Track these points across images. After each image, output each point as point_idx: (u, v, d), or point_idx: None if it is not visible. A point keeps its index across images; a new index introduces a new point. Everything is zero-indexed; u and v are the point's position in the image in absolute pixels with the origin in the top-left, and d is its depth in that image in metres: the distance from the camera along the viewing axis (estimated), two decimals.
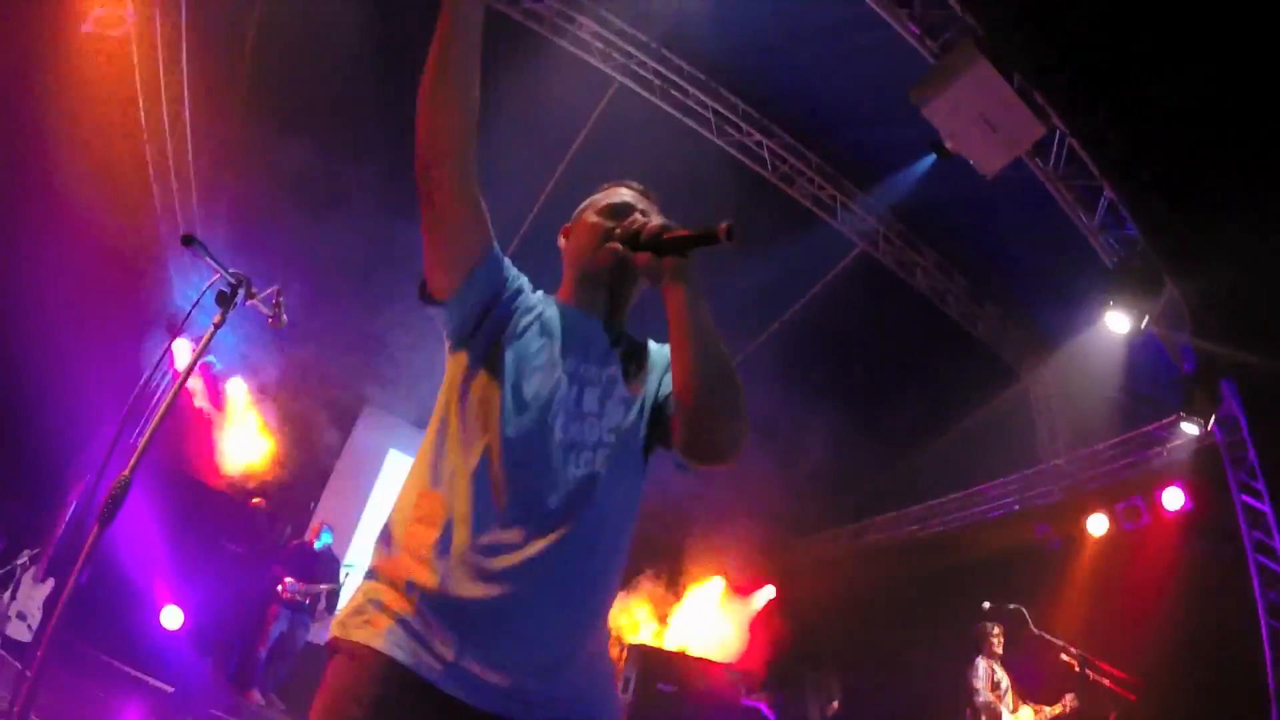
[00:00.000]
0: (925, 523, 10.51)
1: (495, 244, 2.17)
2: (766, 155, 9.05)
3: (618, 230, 2.22)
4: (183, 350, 8.35)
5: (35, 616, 6.53)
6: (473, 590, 1.90)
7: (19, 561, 6.90)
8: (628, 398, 2.18)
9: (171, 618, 7.03)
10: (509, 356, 2.11)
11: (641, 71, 8.77)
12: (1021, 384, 9.70)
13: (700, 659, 9.34)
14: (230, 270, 3.85)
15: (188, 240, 3.72)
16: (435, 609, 1.89)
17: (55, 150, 6.92)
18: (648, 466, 2.21)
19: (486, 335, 2.15)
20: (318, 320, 9.81)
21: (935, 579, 9.61)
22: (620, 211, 2.29)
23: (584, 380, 2.16)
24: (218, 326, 3.75)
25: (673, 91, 8.86)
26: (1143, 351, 7.87)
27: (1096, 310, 7.46)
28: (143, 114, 7.53)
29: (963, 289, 9.30)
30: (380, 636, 1.88)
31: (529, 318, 2.19)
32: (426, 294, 2.13)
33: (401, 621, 1.89)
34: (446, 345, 2.21)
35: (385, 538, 2.04)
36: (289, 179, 8.70)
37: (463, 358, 2.15)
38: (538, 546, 1.94)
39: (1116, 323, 7.29)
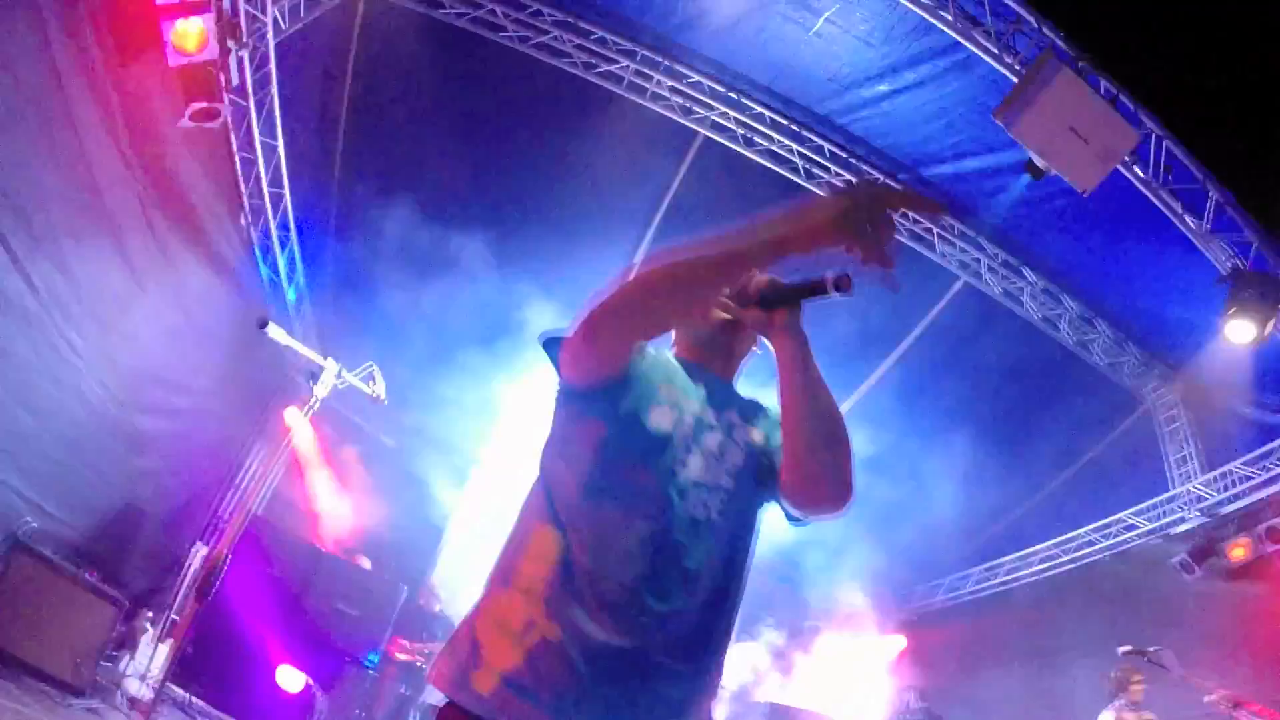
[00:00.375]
0: (1055, 560, 10.02)
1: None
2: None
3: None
4: (294, 418, 8.67)
5: (156, 677, 6.74)
6: (589, 634, 1.85)
7: (138, 623, 7.19)
8: (747, 443, 2.18)
9: (288, 679, 7.18)
10: (630, 398, 2.09)
11: (723, 122, 8.89)
12: (1145, 406, 9.27)
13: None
14: (326, 359, 3.91)
15: (262, 324, 3.83)
16: (548, 657, 1.83)
17: (169, 236, 7.35)
18: (760, 516, 2.20)
19: (615, 390, 2.11)
20: (429, 384, 10.09)
21: (1071, 615, 9.15)
22: None
23: (704, 423, 2.14)
24: (310, 407, 3.84)
25: (756, 139, 8.94)
26: (1271, 359, 7.45)
27: (1216, 321, 7.11)
28: (245, 196, 7.97)
29: (1074, 313, 8.99)
30: (484, 701, 1.84)
31: (647, 364, 2.17)
32: (558, 371, 2.18)
33: (508, 680, 1.83)
34: (558, 387, 2.21)
35: (495, 573, 2.02)
36: (393, 247, 9.06)
37: (579, 402, 2.14)
38: (651, 592, 1.90)
39: (1238, 332, 6.93)
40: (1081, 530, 9.61)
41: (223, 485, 9.23)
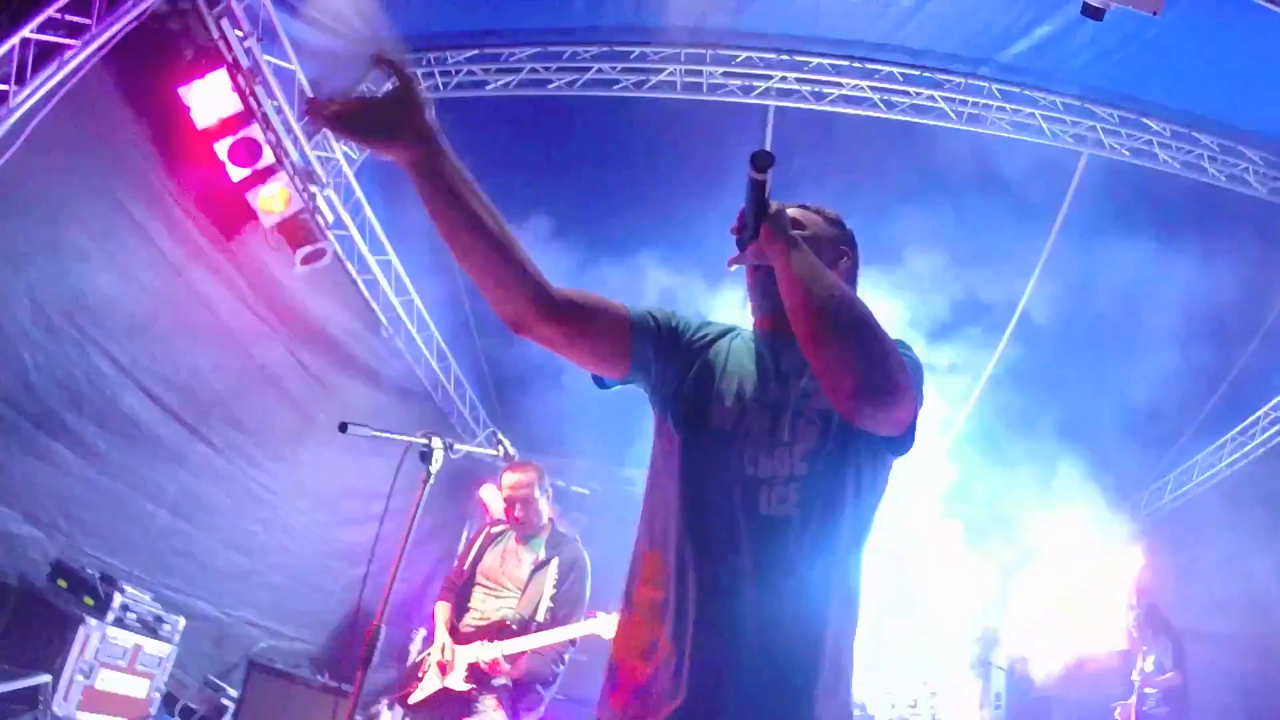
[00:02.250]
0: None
1: (633, 323, 2.12)
2: (945, 105, 8.60)
3: (738, 241, 2.10)
4: (490, 494, 9.35)
5: None
6: (691, 658, 1.85)
7: (373, 711, 8.00)
8: (824, 408, 1.99)
9: None
10: (689, 398, 2.07)
11: (785, 86, 8.79)
12: None
13: (1076, 653, 8.55)
14: (419, 433, 4.23)
15: (343, 428, 4.20)
16: (672, 675, 1.87)
17: (322, 369, 8.27)
18: (857, 475, 2.02)
19: (665, 389, 2.13)
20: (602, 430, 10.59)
21: None
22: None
23: (775, 403, 2.03)
24: (425, 483, 4.16)
25: (825, 89, 8.76)
26: None
27: None
28: (379, 311, 8.83)
29: (1214, 148, 8.07)
30: (616, 716, 1.95)
31: (705, 355, 2.14)
32: (597, 380, 2.21)
33: (637, 694, 1.91)
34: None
35: (622, 597, 2.09)
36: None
37: (654, 412, 2.18)
38: (731, 605, 1.86)
39: None
40: None
41: (439, 571, 10.10)
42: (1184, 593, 9.56)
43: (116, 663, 5.85)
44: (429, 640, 5.17)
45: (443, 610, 4.84)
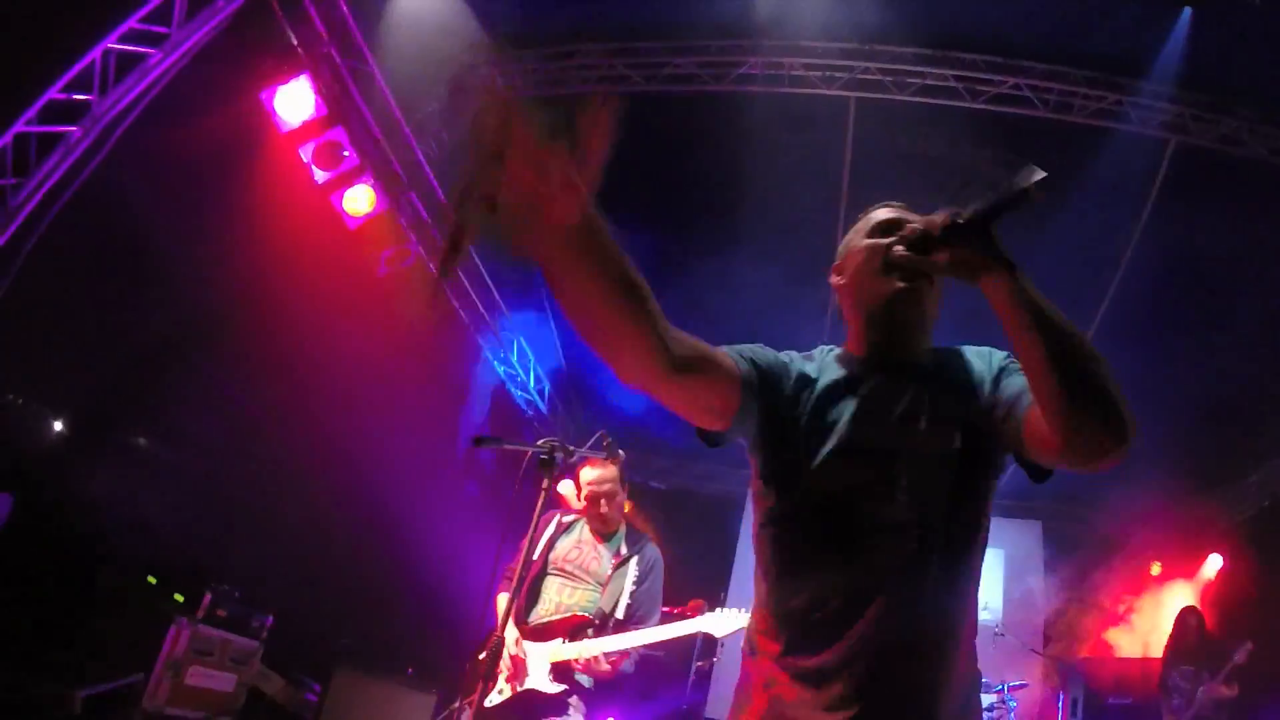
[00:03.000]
0: None
1: (742, 376, 1.91)
2: (1030, 94, 8.31)
3: (897, 242, 1.91)
4: (567, 488, 9.35)
5: None
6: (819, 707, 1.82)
7: (454, 707, 8.04)
8: (942, 451, 1.89)
9: None
10: (797, 451, 1.92)
11: (866, 76, 8.60)
12: None
13: (1153, 660, 8.17)
14: (539, 442, 4.23)
15: (477, 441, 4.23)
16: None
17: (406, 363, 8.35)
18: (990, 498, 1.95)
19: (768, 442, 1.97)
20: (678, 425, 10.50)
21: None
22: (892, 226, 1.98)
23: (888, 448, 1.90)
24: (546, 492, 4.16)
25: (908, 79, 8.56)
26: None
27: None
28: (461, 312, 8.91)
29: None
30: None
31: (811, 401, 1.97)
32: (705, 436, 1.96)
33: None
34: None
35: (745, 644, 2.04)
36: None
37: (755, 464, 2.02)
38: (856, 664, 1.81)
39: None
40: None
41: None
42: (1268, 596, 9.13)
43: (206, 659, 6.00)
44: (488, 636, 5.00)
45: (506, 602, 4.25)
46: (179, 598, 6.07)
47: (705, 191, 9.35)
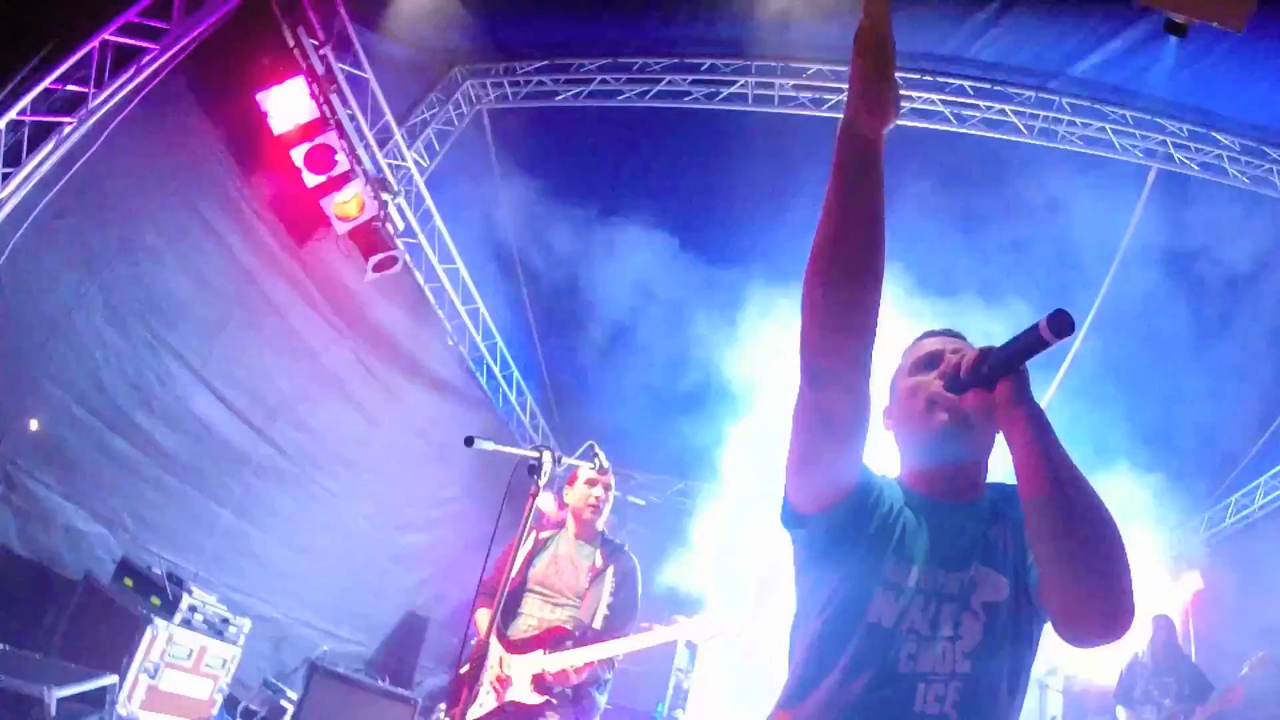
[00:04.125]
0: None
1: (866, 467, 1.93)
2: (1016, 120, 8.43)
3: (936, 381, 1.93)
4: (546, 502, 9.33)
5: None
6: None
7: (433, 718, 7.99)
8: (990, 601, 1.84)
9: None
10: (856, 576, 1.89)
11: None
12: None
13: None
14: (529, 447, 4.23)
15: (469, 441, 4.21)
16: None
17: (388, 376, 8.32)
18: (1025, 664, 1.88)
19: (836, 558, 1.93)
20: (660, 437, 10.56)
21: None
22: (931, 362, 2.00)
23: (941, 593, 1.85)
24: (534, 497, 4.14)
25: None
26: None
27: None
28: (445, 320, 8.87)
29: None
30: None
31: (882, 525, 1.93)
32: (789, 514, 1.97)
33: None
34: (795, 557, 2.04)
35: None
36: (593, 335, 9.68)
37: (810, 576, 2.00)
38: None
39: None
40: None
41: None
42: (1243, 616, 9.24)
43: (181, 663, 5.88)
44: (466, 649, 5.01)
45: (486, 617, 4.42)
46: (155, 600, 5.96)
47: (686, 205, 9.40)
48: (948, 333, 2.13)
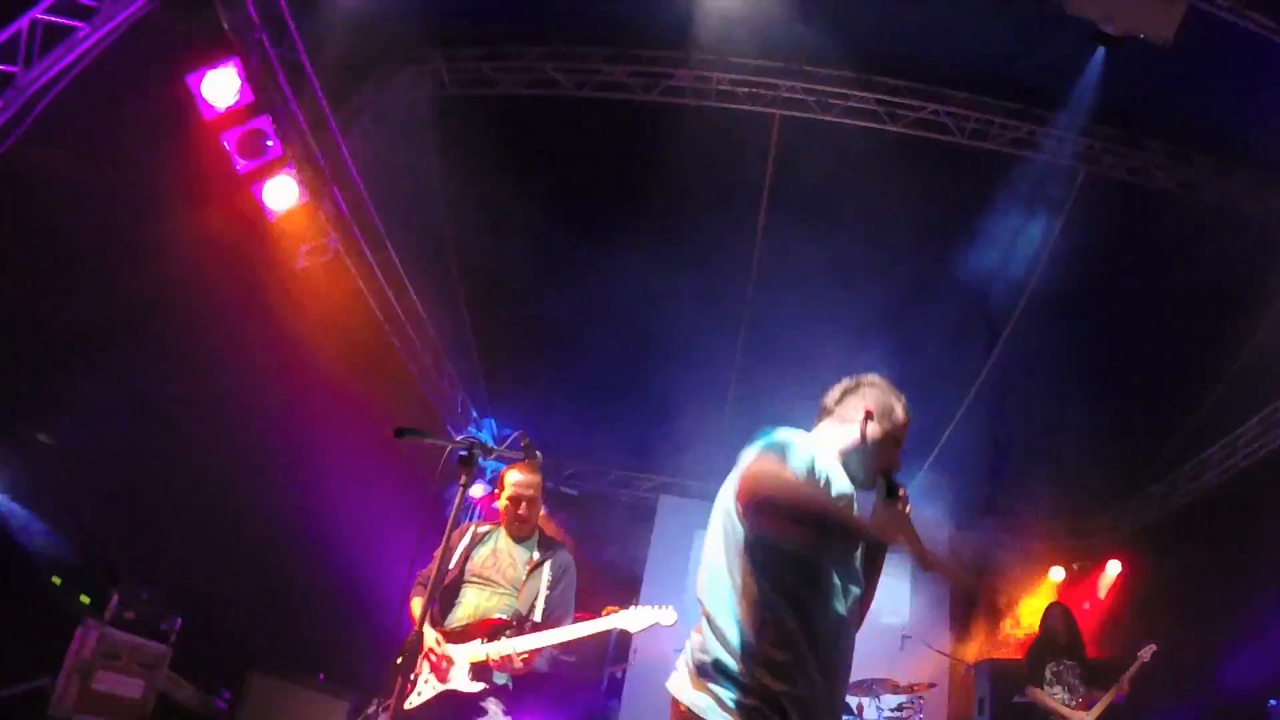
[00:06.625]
0: (1259, 441, 9.06)
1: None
2: (948, 121, 8.65)
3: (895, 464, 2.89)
4: (479, 493, 9.34)
5: None
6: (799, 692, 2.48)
7: (369, 711, 7.90)
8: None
9: None
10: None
11: (792, 95, 8.80)
12: None
13: None
14: (459, 438, 4.19)
15: (399, 433, 4.16)
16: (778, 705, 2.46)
17: (321, 358, 8.14)
18: None
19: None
20: (591, 432, 10.60)
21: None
22: (900, 441, 2.92)
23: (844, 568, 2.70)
24: (465, 487, 4.11)
25: (831, 100, 8.80)
26: None
27: None
28: (376, 309, 8.75)
29: (1209, 169, 8.17)
30: None
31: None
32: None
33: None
34: (744, 517, 2.62)
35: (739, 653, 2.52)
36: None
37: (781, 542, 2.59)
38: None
39: None
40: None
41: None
42: (1165, 600, 9.72)
43: (114, 662, 5.74)
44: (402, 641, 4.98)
45: (421, 607, 4.41)
46: (85, 599, 5.79)
47: (623, 197, 9.42)
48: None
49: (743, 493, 2.56)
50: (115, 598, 5.84)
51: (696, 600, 2.67)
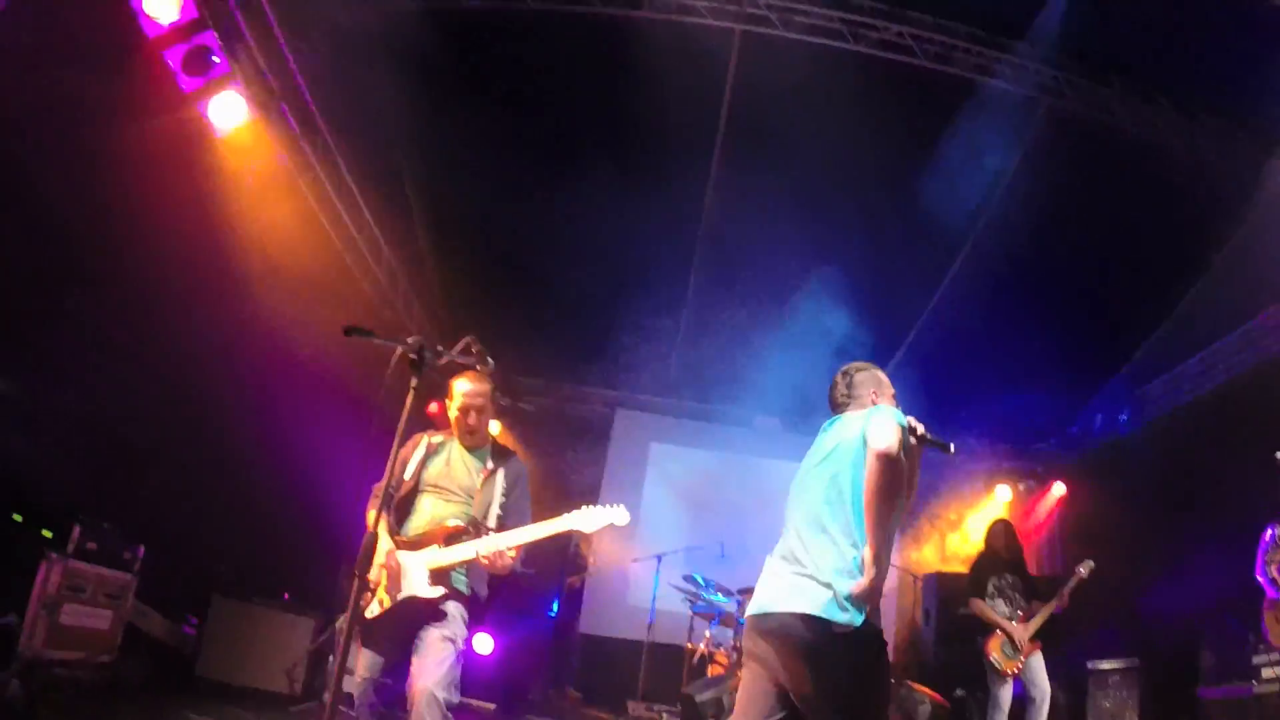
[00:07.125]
0: (1201, 378, 9.41)
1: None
2: (912, 42, 8.56)
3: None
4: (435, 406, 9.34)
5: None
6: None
7: (336, 626, 8.10)
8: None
9: (482, 644, 8.00)
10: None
11: (755, 10, 8.62)
12: (1268, 191, 8.30)
13: None
14: (408, 340, 4.11)
15: (348, 331, 4.09)
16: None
17: (274, 279, 8.01)
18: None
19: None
20: (551, 346, 10.66)
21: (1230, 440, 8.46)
22: (894, 400, 3.69)
23: None
24: (415, 390, 4.07)
25: (795, 18, 8.64)
26: None
27: None
28: (329, 228, 8.60)
29: (1169, 108, 8.21)
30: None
31: None
32: None
33: None
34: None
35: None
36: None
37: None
38: None
39: None
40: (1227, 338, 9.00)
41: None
42: (1102, 524, 10.14)
43: (79, 595, 5.79)
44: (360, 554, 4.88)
45: (375, 515, 4.19)
46: (47, 534, 5.80)
47: (578, 116, 9.26)
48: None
49: (885, 452, 3.14)
50: (77, 530, 5.84)
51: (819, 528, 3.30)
